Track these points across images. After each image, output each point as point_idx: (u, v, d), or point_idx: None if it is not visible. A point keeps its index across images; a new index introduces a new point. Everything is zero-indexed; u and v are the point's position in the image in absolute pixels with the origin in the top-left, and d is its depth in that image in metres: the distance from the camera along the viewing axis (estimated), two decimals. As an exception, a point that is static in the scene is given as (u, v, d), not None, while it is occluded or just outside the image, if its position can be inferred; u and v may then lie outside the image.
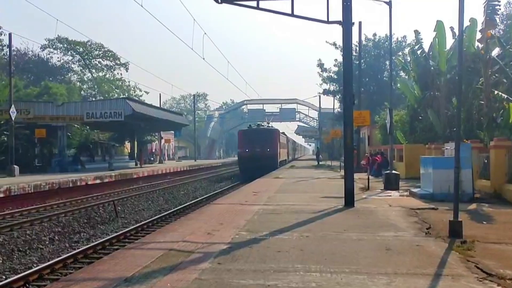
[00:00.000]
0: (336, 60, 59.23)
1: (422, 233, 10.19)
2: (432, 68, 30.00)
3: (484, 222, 12.10)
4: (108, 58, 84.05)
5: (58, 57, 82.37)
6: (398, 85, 39.22)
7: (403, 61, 37.63)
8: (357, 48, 42.55)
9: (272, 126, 51.66)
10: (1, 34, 43.53)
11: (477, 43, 25.38)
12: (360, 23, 36.14)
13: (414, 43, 34.51)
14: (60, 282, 6.80)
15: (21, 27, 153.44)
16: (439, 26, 28.75)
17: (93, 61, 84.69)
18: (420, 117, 32.40)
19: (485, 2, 22.82)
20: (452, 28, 28.75)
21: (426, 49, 31.67)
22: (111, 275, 7.01)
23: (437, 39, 29.22)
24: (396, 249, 8.55)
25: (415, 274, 6.95)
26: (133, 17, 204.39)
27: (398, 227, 10.94)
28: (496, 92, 22.78)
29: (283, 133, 59.10)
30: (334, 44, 56.79)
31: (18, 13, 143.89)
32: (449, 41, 29.48)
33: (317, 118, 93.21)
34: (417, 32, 32.54)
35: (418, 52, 32.00)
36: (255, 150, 43.23)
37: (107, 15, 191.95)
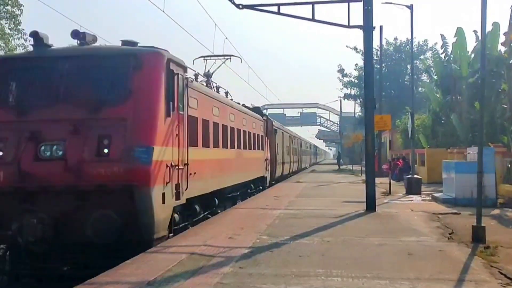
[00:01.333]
0: (356, 64, 58.91)
1: (444, 238, 10.12)
2: (453, 72, 29.78)
3: (511, 227, 12.01)
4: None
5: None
6: (420, 89, 38.89)
7: (427, 63, 37.31)
8: (378, 52, 42.36)
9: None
10: (26, 40, 44.02)
11: (500, 47, 25.16)
12: (381, 27, 35.85)
13: (437, 47, 34.39)
14: (84, 285, 6.88)
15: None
16: (460, 32, 28.64)
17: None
18: (442, 121, 32.14)
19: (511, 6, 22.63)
20: (475, 32, 28.53)
21: (448, 53, 31.52)
22: (134, 278, 7.06)
23: (457, 43, 29.06)
24: (419, 254, 8.49)
25: (437, 279, 6.90)
26: (155, 22, 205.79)
27: (420, 232, 10.86)
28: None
29: (267, 118, 28.39)
30: (355, 48, 56.55)
31: (41, 18, 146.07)
32: (471, 45, 29.27)
33: (338, 122, 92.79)
34: (443, 36, 32.41)
35: (442, 56, 31.81)
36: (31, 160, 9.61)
37: (129, 20, 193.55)
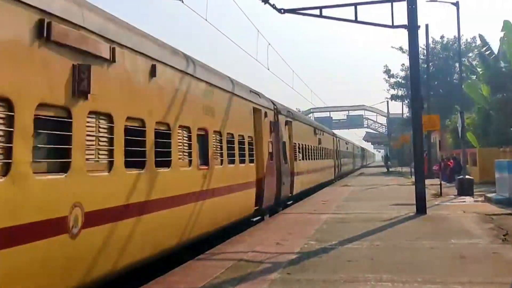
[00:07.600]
0: (403, 64, 57.98)
1: (498, 240, 9.82)
2: (503, 69, 29.00)
3: None
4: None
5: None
6: (462, 85, 38.01)
7: (468, 64, 36.49)
8: (425, 51, 41.63)
9: None
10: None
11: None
12: (426, 25, 35.55)
13: (481, 46, 33.59)
14: (134, 293, 6.98)
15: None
16: (507, 26, 27.79)
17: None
18: (493, 120, 31.34)
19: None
20: None
21: (496, 50, 30.71)
22: (182, 286, 7.12)
23: (505, 39, 28.27)
24: (471, 257, 8.27)
25: (491, 283, 6.70)
26: (198, 29, 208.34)
27: (473, 234, 10.59)
28: None
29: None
30: (401, 48, 55.58)
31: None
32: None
33: (386, 124, 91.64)
34: (481, 36, 31.76)
35: (487, 53, 31.06)
36: None
37: (173, 27, 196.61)
